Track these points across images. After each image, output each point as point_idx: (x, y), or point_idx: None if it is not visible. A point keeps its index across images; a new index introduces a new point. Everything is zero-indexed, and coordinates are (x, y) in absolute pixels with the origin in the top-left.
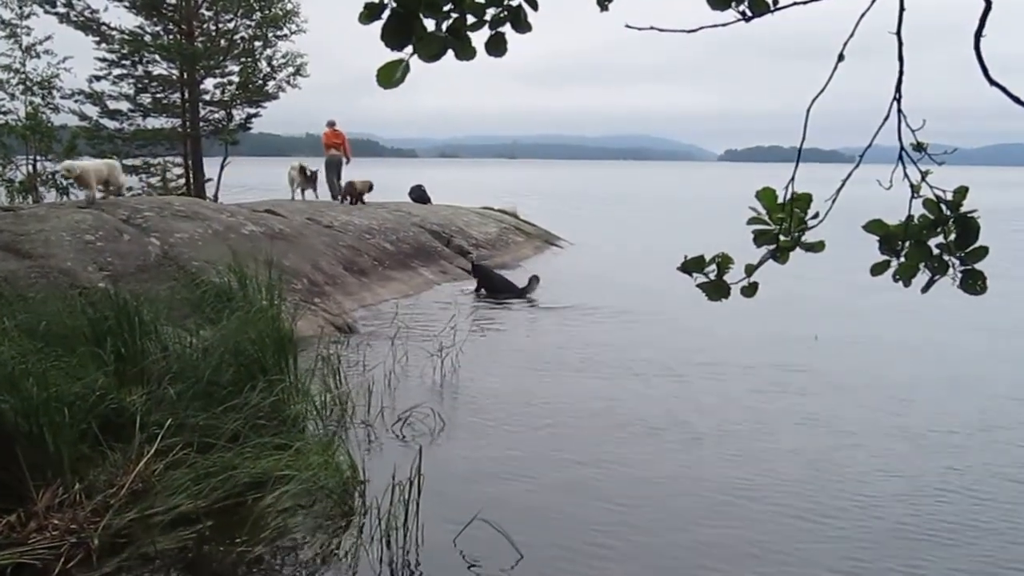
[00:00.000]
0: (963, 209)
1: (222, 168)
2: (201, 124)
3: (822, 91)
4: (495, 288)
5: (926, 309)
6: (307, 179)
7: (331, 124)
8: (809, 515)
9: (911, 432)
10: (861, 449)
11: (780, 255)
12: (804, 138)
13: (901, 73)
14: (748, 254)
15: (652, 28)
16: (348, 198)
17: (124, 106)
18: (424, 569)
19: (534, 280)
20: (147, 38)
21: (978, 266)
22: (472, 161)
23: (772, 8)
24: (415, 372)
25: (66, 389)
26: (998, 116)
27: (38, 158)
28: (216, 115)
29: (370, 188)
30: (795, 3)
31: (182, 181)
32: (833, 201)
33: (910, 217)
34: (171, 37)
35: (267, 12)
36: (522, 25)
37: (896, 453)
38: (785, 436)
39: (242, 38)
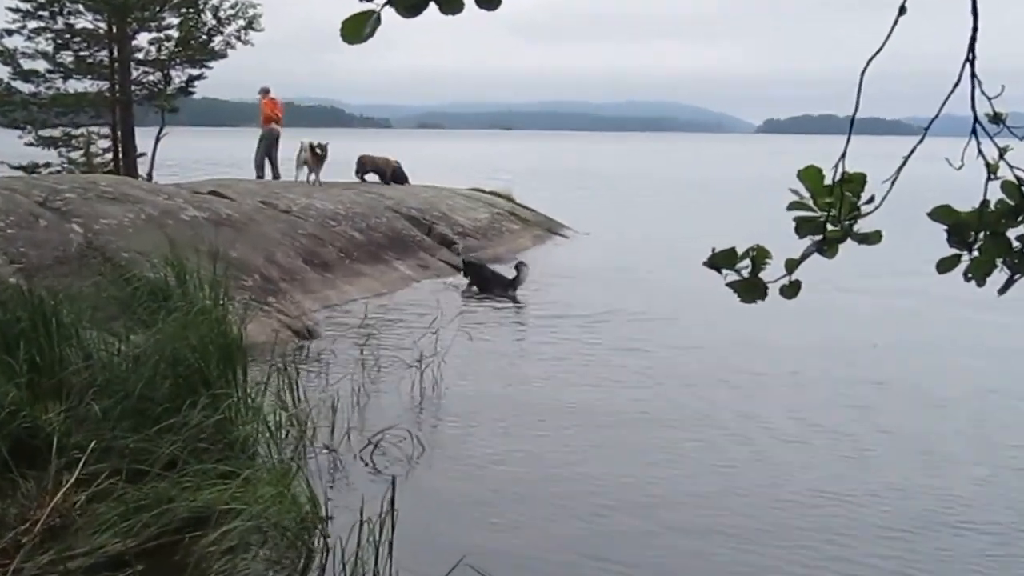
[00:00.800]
0: None
1: (158, 140)
2: (133, 88)
3: (880, 50)
4: (489, 285)
5: (1002, 310)
6: (319, 159)
7: (266, 92)
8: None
9: (1010, 452)
10: (955, 469)
11: (827, 248)
12: (858, 106)
13: (975, 30)
14: (789, 247)
15: None
16: (363, 177)
17: (41, 66)
18: None
19: (522, 268)
20: None
21: None
22: (458, 133)
23: None
24: (389, 387)
25: None
26: None
27: None
28: (151, 77)
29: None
30: None
31: (109, 156)
32: (893, 182)
33: (985, 203)
34: None
35: None
36: None
37: (996, 478)
38: (867, 457)
39: None
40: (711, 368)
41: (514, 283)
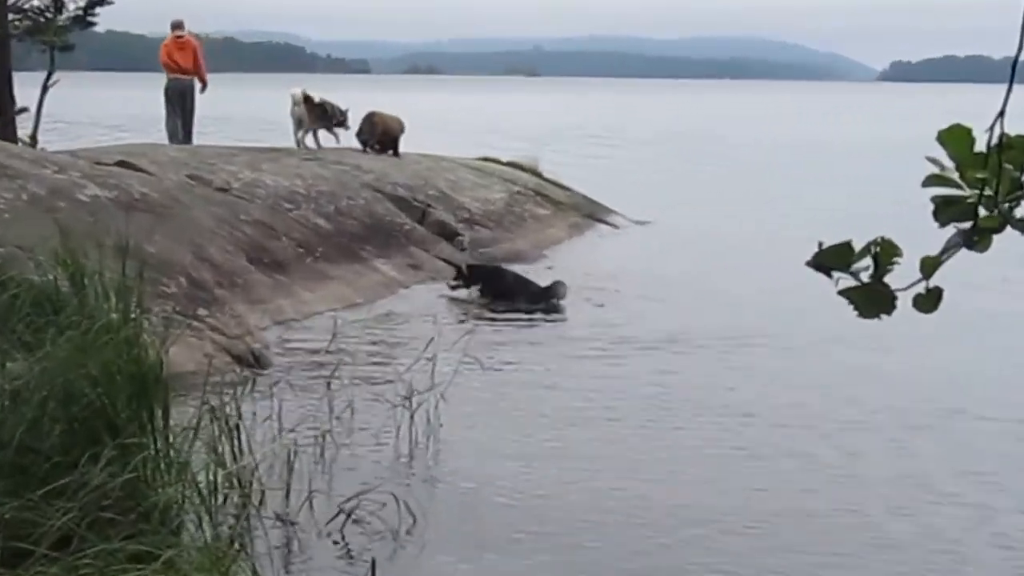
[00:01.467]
0: None
1: (45, 90)
2: (10, 19)
3: None
4: (505, 291)
5: None
6: (315, 113)
7: (178, 28)
8: None
9: None
10: None
11: (979, 239)
12: (1023, 45)
13: None
14: (923, 239)
15: None
16: (373, 145)
17: None
18: None
19: (559, 287)
20: None
21: None
22: (462, 80)
23: None
24: (367, 435)
25: None
26: None
27: None
28: (34, 3)
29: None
30: None
31: None
32: None
33: None
34: None
35: None
36: None
37: None
38: None
39: None
40: (826, 415)
41: (549, 293)
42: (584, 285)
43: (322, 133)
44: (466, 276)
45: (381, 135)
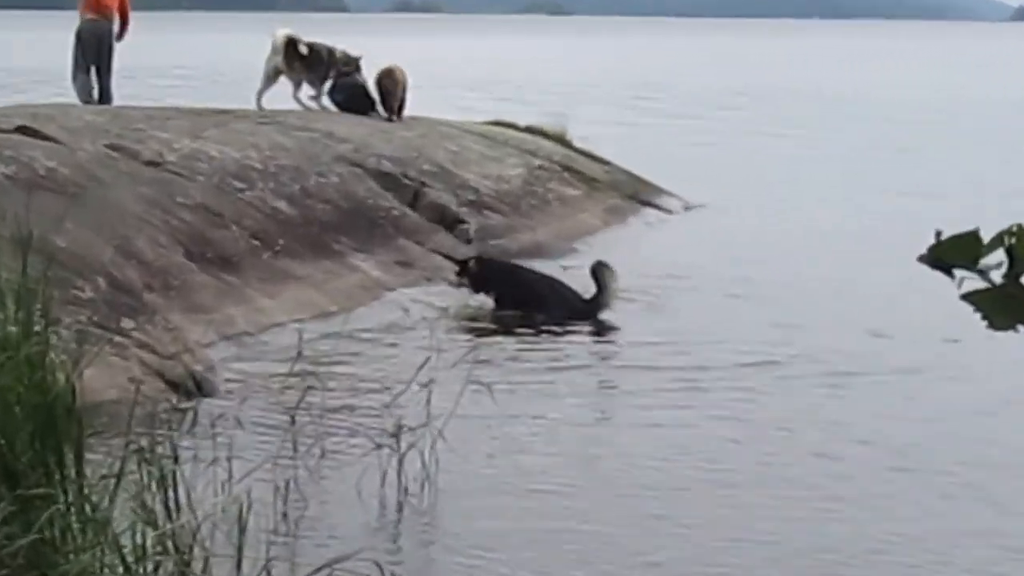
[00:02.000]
0: None
1: None
2: None
3: None
4: (529, 300)
5: None
6: (304, 63)
7: None
8: None
9: None
10: None
11: None
12: None
13: None
14: None
15: None
16: (396, 110)
17: None
18: None
19: (604, 272)
20: None
21: None
22: (470, 20)
23: None
24: (341, 484)
25: None
26: None
27: None
28: None
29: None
30: None
31: None
32: None
33: None
34: None
35: None
36: None
37: None
38: None
39: None
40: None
41: (597, 304)
42: (628, 286)
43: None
44: (473, 274)
45: (386, 92)
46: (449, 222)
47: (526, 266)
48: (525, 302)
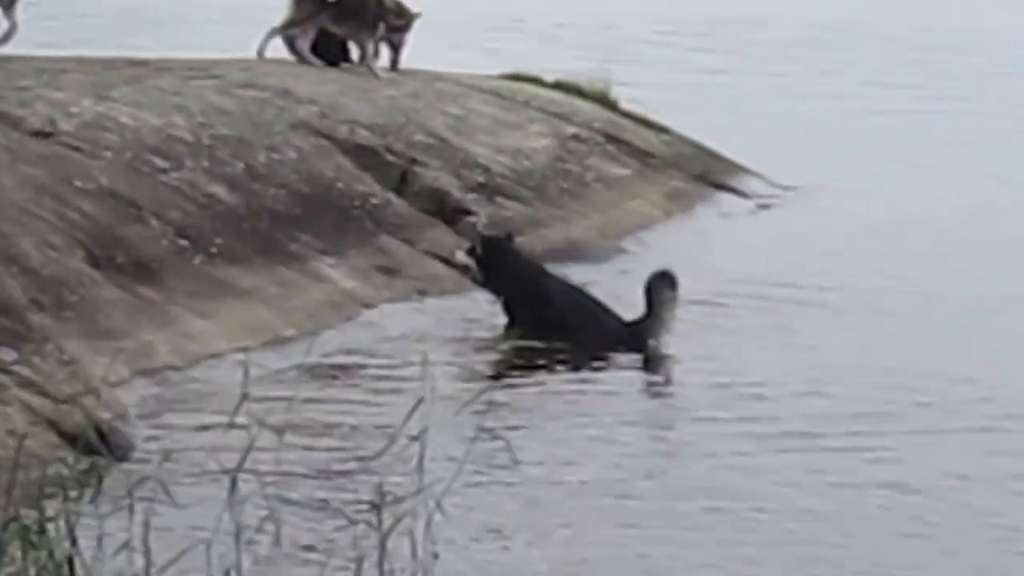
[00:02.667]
0: None
1: None
2: None
3: None
4: (549, 315)
5: None
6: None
7: None
8: None
9: None
10: None
11: None
12: None
13: None
14: None
15: None
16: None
17: None
18: None
19: (661, 288)
20: None
21: None
22: None
23: None
24: None
25: None
26: None
27: None
28: None
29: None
30: None
31: None
32: None
33: None
34: None
35: None
36: None
37: None
38: None
39: None
40: None
41: (643, 330)
42: (697, 303)
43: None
44: (481, 259)
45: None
46: (449, 213)
47: (553, 272)
48: (546, 319)
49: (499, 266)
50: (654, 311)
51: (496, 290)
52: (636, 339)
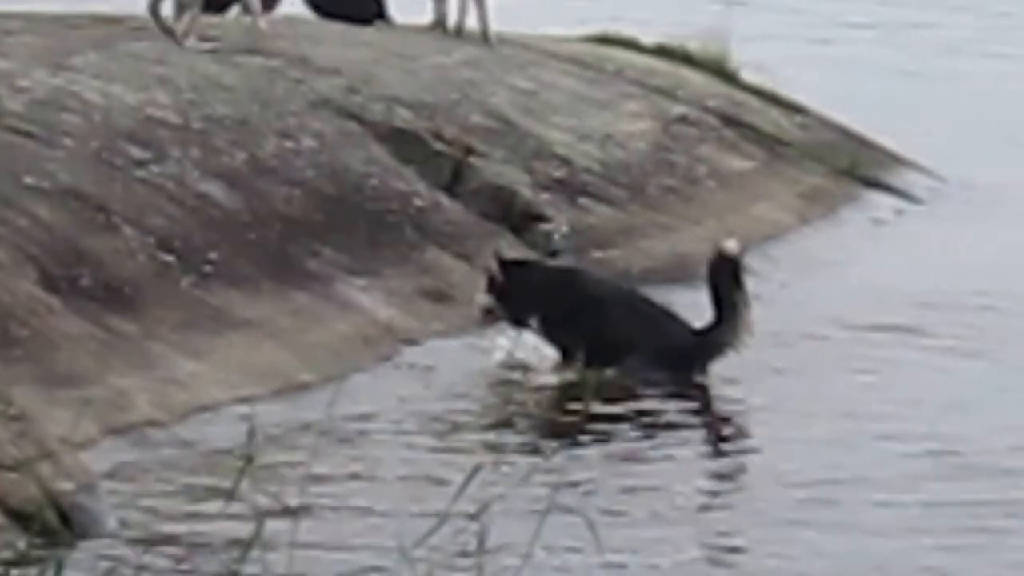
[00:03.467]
0: None
1: None
2: None
3: None
4: (604, 330)
5: None
6: None
7: None
8: None
9: None
10: None
11: None
12: None
13: None
14: None
15: None
16: None
17: None
18: None
19: (729, 285)
20: None
21: None
22: None
23: None
24: None
25: None
26: None
27: None
28: None
29: None
30: None
31: None
32: None
33: None
34: None
35: None
36: None
37: None
38: None
39: None
40: None
41: (714, 340)
42: (830, 337)
43: None
44: (498, 287)
45: None
46: (517, 219)
47: (595, 274)
48: (596, 337)
49: (527, 292)
50: (725, 316)
51: (529, 321)
52: (709, 350)
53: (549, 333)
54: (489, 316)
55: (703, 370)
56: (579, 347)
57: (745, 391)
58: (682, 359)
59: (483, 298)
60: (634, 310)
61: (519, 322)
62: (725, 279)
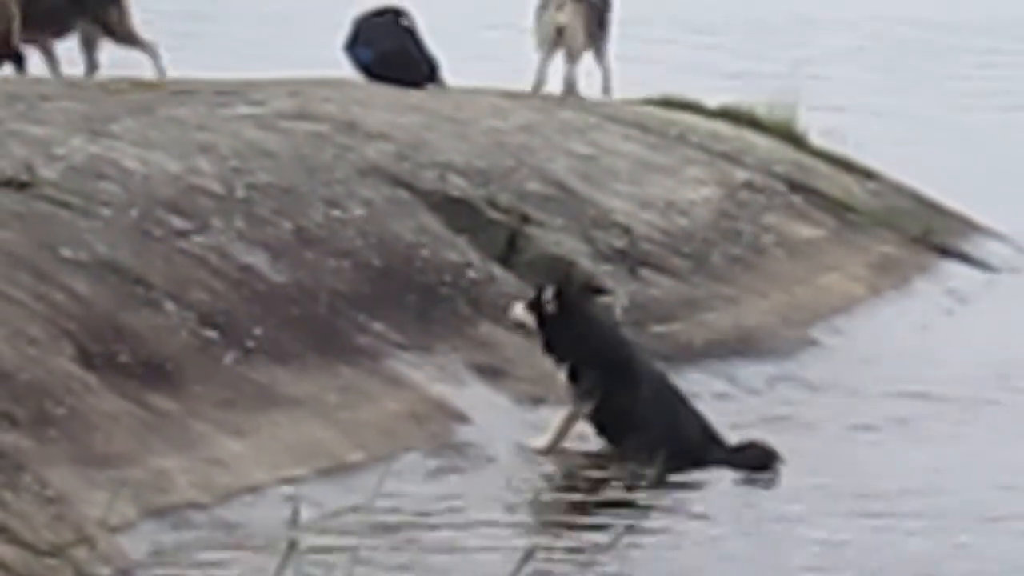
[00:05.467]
0: None
1: None
2: None
3: None
4: (637, 408)
5: None
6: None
7: None
8: None
9: None
10: None
11: None
12: None
13: None
14: None
15: None
16: None
17: None
18: None
19: (758, 453)
20: None
21: None
22: None
23: None
24: None
25: None
26: None
27: None
28: None
29: None
30: None
31: None
32: None
33: None
34: None
35: None
36: None
37: None
38: None
39: None
40: None
41: (755, 456)
42: (921, 408)
43: None
44: (549, 316)
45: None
46: (574, 287)
47: (638, 349)
48: (624, 411)
49: (570, 334)
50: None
51: (561, 357)
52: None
53: (574, 382)
54: (519, 329)
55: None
56: (598, 413)
57: (818, 465)
58: (688, 457)
59: (520, 312)
60: (661, 398)
61: (550, 352)
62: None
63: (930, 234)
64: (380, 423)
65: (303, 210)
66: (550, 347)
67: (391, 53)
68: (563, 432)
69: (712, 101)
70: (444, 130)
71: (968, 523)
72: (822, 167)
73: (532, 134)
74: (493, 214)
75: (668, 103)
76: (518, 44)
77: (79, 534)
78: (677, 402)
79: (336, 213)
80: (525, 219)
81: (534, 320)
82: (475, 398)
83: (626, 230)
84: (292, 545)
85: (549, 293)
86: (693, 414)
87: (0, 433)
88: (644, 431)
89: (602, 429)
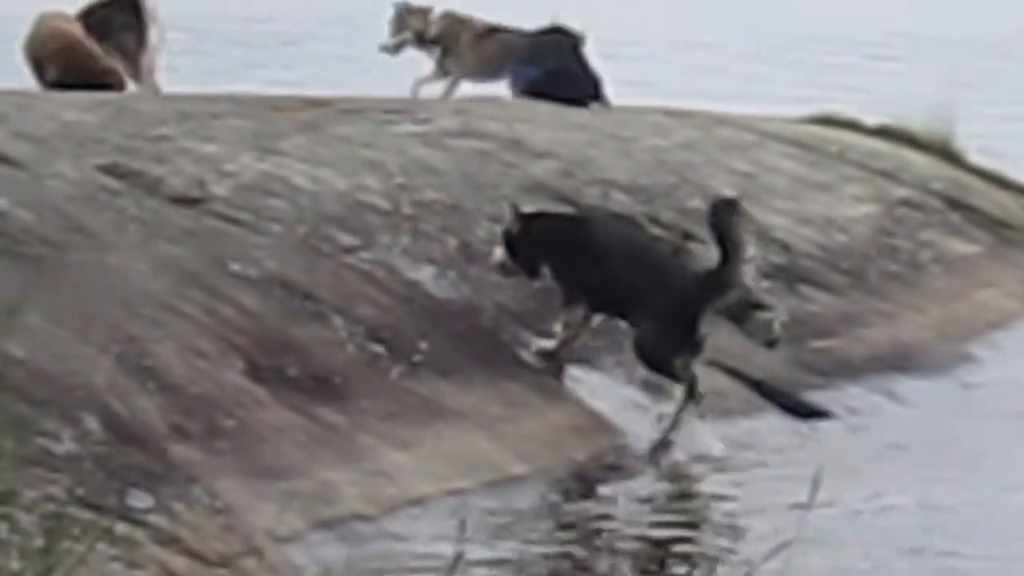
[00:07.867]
0: None
1: None
2: None
3: None
4: (608, 280)
5: None
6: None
7: None
8: None
9: None
10: None
11: None
12: None
13: None
14: None
15: None
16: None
17: None
18: None
19: (730, 225)
20: None
21: None
22: None
23: None
24: None
25: None
26: None
27: None
28: None
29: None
30: None
31: None
32: None
33: None
34: None
35: None
36: None
37: None
38: None
39: None
40: None
41: (720, 281)
42: None
43: None
44: (512, 238)
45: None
46: (736, 307)
47: (603, 221)
48: (605, 289)
49: (538, 242)
50: (730, 251)
51: (541, 271)
52: (716, 290)
53: (560, 282)
54: (505, 271)
55: (712, 310)
56: (588, 295)
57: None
58: (690, 300)
59: (499, 252)
60: (640, 255)
61: (534, 272)
62: (725, 221)
63: None
64: (543, 435)
65: (468, 226)
66: (523, 265)
67: (557, 72)
68: (569, 339)
69: (870, 119)
70: (607, 148)
71: None
72: (979, 184)
73: (693, 152)
74: (656, 231)
75: (827, 121)
76: (642, 65)
77: (248, 545)
78: (656, 256)
79: (501, 229)
80: (687, 236)
81: (506, 253)
82: (636, 412)
83: (785, 246)
84: (459, 556)
85: (509, 214)
86: (671, 259)
87: (171, 445)
88: (634, 297)
89: (621, 316)
